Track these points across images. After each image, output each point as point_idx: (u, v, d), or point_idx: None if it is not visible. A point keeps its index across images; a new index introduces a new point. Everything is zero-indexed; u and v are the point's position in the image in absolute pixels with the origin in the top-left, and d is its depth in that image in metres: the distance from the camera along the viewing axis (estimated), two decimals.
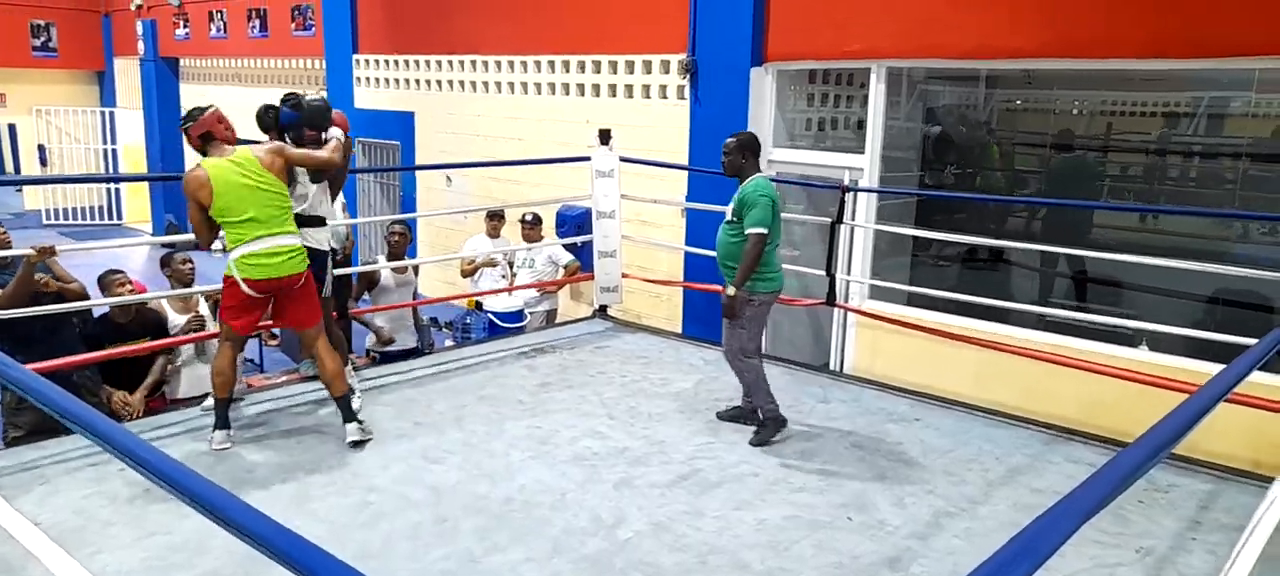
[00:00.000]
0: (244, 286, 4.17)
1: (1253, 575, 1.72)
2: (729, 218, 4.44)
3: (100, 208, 16.61)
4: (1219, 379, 1.81)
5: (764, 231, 4.27)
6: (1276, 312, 5.65)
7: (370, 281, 6.48)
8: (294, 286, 4.28)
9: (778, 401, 4.60)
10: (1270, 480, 2.09)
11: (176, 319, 5.38)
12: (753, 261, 4.29)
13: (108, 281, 5.08)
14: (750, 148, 4.48)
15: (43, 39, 15.83)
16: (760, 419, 4.63)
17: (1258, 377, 1.99)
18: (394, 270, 6.53)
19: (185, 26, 13.97)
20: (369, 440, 4.39)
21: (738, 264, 4.38)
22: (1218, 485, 4.23)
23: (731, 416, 4.84)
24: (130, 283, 5.15)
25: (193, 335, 5.29)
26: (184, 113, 4.46)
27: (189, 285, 5.49)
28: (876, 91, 6.20)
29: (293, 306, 4.35)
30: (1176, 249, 6.24)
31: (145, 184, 15.76)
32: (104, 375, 5.01)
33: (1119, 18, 5.12)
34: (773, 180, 4.66)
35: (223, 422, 4.33)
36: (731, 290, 4.36)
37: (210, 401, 4.48)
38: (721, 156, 4.53)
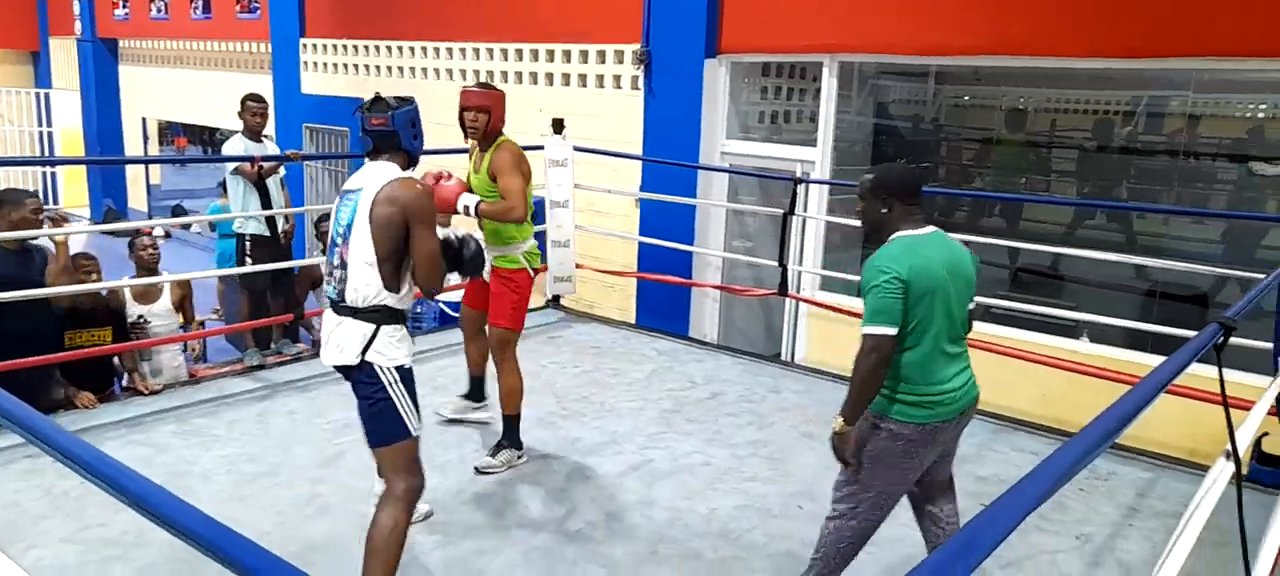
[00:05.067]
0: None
1: (1189, 560, 1.76)
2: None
3: (36, 192, 16.07)
4: (1160, 371, 1.84)
5: (881, 331, 2.62)
6: (1210, 305, 5.83)
7: (313, 281, 6.29)
8: None
9: None
10: (1207, 468, 2.15)
11: (134, 307, 5.24)
12: (861, 382, 2.65)
13: (79, 266, 4.88)
14: (894, 188, 2.81)
15: None
16: None
17: (1194, 369, 2.04)
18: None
19: (124, 6, 13.53)
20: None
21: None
22: (1155, 473, 4.35)
23: None
24: (99, 272, 4.98)
25: (165, 337, 5.18)
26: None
27: (153, 272, 5.38)
28: (828, 85, 6.25)
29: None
30: (1115, 243, 6.40)
31: (83, 168, 15.28)
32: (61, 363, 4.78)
33: (1060, 18, 5.23)
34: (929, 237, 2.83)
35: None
36: (838, 422, 2.73)
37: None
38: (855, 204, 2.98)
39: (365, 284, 2.79)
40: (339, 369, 2.90)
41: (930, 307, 2.68)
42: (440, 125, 8.70)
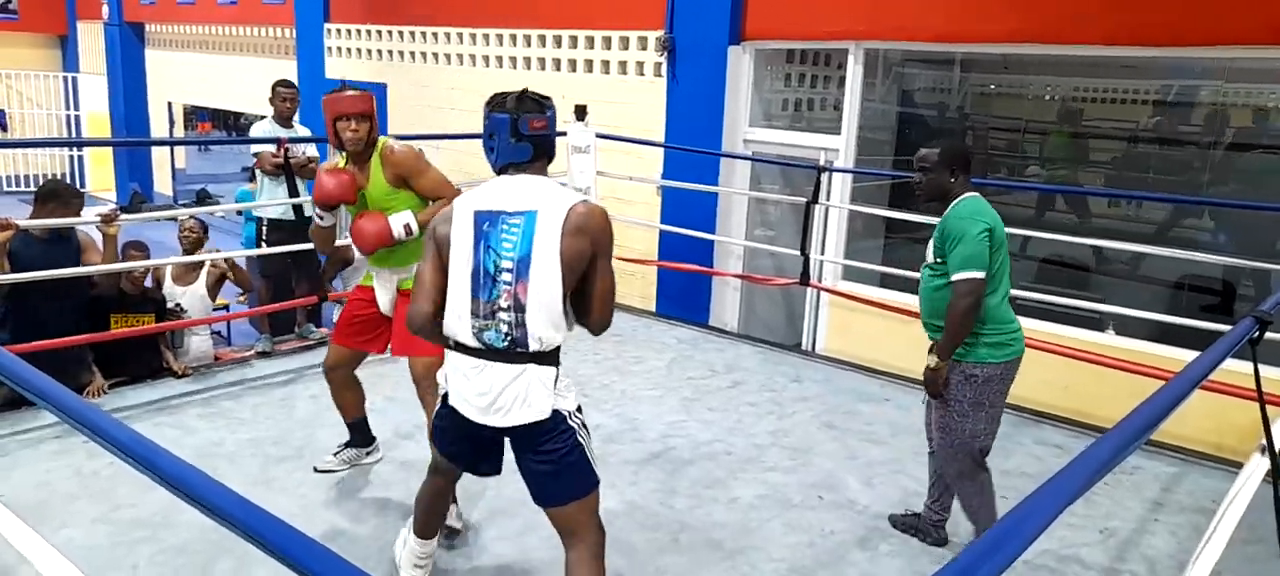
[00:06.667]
0: None
1: (1221, 557, 1.74)
2: (930, 259, 3.18)
3: (63, 175, 16.24)
4: (1193, 366, 1.82)
5: (976, 275, 2.96)
6: (1238, 297, 5.75)
7: (345, 260, 6.34)
8: None
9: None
10: (1234, 463, 2.12)
11: (171, 290, 5.33)
12: (958, 323, 3.00)
13: (129, 255, 5.03)
14: (958, 160, 3.14)
15: (2, 1, 15.39)
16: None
17: (1224, 363, 2.01)
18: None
19: None
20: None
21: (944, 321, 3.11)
22: (1181, 468, 4.31)
23: (905, 526, 3.62)
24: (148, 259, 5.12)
25: (183, 321, 5.26)
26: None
27: (194, 252, 5.51)
28: (853, 72, 6.20)
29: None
30: (1143, 235, 6.32)
31: (109, 153, 15.43)
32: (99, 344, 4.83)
33: (1087, 6, 5.15)
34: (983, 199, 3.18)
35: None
36: (933, 360, 3.12)
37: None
38: (917, 175, 3.21)
39: (552, 328, 2.29)
40: (505, 430, 2.39)
41: (1005, 257, 3.10)
42: (458, 111, 8.75)
